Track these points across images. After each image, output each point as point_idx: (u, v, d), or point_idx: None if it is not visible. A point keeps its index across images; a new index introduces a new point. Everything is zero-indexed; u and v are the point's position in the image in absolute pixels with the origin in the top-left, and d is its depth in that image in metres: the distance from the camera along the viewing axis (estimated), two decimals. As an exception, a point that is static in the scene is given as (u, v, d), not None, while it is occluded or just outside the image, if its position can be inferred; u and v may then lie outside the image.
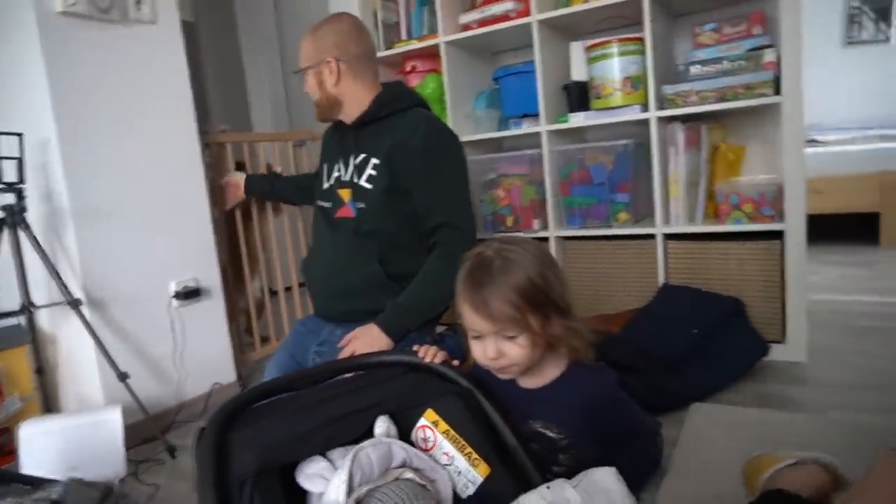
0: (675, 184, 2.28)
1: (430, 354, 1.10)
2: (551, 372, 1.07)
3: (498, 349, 1.01)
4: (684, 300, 2.11)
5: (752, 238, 2.16)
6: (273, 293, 2.75)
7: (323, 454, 0.95)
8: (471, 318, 1.02)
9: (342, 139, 1.87)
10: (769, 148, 2.36)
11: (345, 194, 1.78)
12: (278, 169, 2.57)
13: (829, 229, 3.71)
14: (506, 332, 1.00)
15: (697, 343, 1.96)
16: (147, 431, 1.94)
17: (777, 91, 2.05)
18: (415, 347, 1.13)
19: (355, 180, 1.76)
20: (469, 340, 1.06)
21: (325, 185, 1.86)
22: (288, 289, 2.76)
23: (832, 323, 2.46)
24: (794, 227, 2.07)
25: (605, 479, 0.85)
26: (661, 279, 2.27)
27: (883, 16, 4.55)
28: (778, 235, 2.13)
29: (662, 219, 2.29)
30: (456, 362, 1.14)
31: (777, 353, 2.09)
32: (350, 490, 0.88)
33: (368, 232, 1.72)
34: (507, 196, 2.61)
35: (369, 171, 1.73)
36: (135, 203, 2.05)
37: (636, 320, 2.10)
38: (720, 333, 2.00)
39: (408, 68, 2.91)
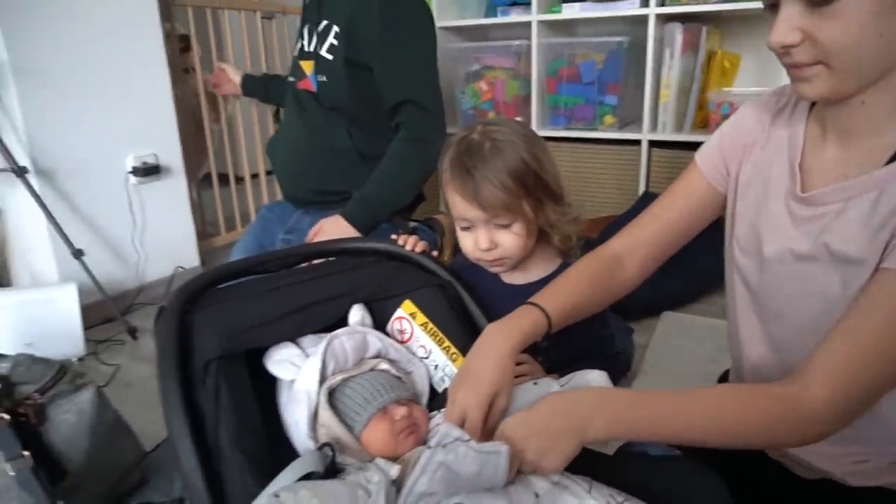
0: (667, 89, 2.18)
1: (409, 243, 1.04)
2: (541, 268, 1.02)
3: (491, 239, 0.95)
4: (664, 209, 2.08)
5: (739, 150, 2.11)
6: (239, 179, 2.61)
7: (293, 340, 0.89)
8: (461, 207, 0.93)
9: (311, 5, 1.69)
10: (765, 59, 2.26)
11: (307, 66, 1.63)
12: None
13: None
14: (499, 219, 0.93)
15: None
16: (106, 312, 1.87)
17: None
18: (393, 236, 1.06)
19: (318, 51, 1.59)
20: (458, 233, 0.99)
21: (293, 58, 1.70)
22: (254, 176, 2.63)
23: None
24: (783, 142, 2.02)
25: (596, 380, 0.82)
26: (642, 187, 2.23)
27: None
28: (765, 149, 2.09)
29: (650, 125, 2.22)
30: (435, 253, 1.08)
31: (748, 266, 2.10)
32: (322, 379, 0.83)
33: (332, 107, 1.59)
34: (489, 90, 2.47)
35: (331, 39, 1.57)
36: (85, 65, 1.86)
37: (614, 227, 2.06)
38: (695, 244, 1.98)
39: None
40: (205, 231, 2.44)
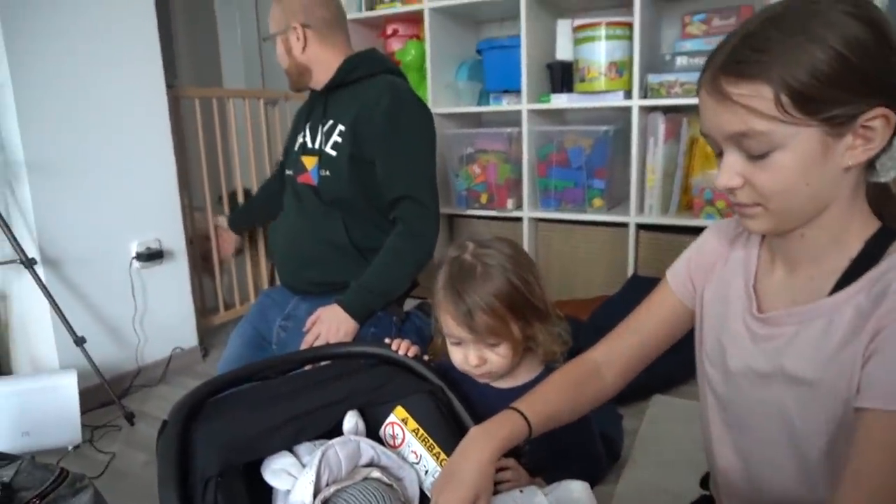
0: (652, 174, 2.28)
1: (402, 348, 1.09)
2: (526, 374, 1.07)
3: (480, 356, 1.00)
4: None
5: (722, 233, 2.19)
6: (238, 251, 2.67)
7: (290, 449, 0.93)
8: (452, 327, 0.99)
9: (313, 106, 1.80)
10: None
11: (309, 162, 1.72)
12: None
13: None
14: (488, 340, 0.99)
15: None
16: (104, 396, 1.89)
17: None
18: (387, 340, 1.11)
19: (322, 147, 1.70)
20: (449, 346, 1.04)
21: (292, 153, 1.81)
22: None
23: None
24: (764, 226, 2.10)
25: (578, 490, 0.86)
26: (631, 269, 2.29)
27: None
28: (747, 232, 2.16)
29: (637, 208, 2.30)
30: (427, 357, 1.12)
31: (736, 347, 2.14)
32: (317, 490, 0.86)
33: (332, 200, 1.67)
34: (482, 173, 2.58)
35: (335, 137, 1.67)
36: (95, 158, 1.95)
37: (604, 309, 2.11)
38: (684, 326, 2.03)
39: (389, 31, 2.82)
40: (204, 309, 2.48)
